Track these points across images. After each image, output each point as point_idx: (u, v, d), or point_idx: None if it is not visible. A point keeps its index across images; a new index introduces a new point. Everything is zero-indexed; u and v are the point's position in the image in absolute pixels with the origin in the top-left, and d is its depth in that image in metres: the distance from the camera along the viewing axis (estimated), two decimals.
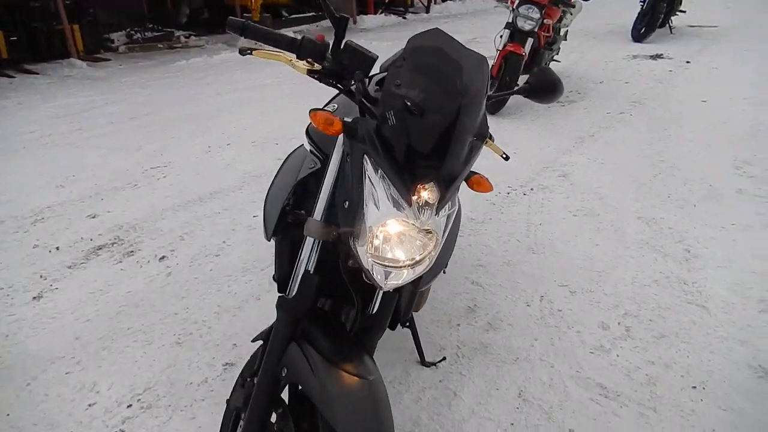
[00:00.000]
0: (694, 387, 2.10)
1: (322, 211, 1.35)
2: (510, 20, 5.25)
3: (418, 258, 1.27)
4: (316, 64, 1.33)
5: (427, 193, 1.22)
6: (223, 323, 2.52)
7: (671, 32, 9.00)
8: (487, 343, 2.34)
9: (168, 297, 2.72)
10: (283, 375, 1.32)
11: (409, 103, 1.20)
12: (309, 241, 1.36)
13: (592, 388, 2.11)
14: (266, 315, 2.55)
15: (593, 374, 2.17)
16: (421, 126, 1.20)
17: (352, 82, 1.31)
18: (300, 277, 1.36)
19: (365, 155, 1.24)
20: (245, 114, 5.75)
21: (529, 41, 5.24)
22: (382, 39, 10.38)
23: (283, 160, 1.84)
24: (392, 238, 1.25)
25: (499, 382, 2.13)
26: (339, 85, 1.34)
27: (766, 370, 2.17)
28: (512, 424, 1.95)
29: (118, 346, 2.38)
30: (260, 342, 1.52)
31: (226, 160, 4.52)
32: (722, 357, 2.25)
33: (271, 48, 1.34)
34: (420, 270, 1.29)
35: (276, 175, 1.77)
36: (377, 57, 1.32)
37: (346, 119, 1.27)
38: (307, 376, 1.27)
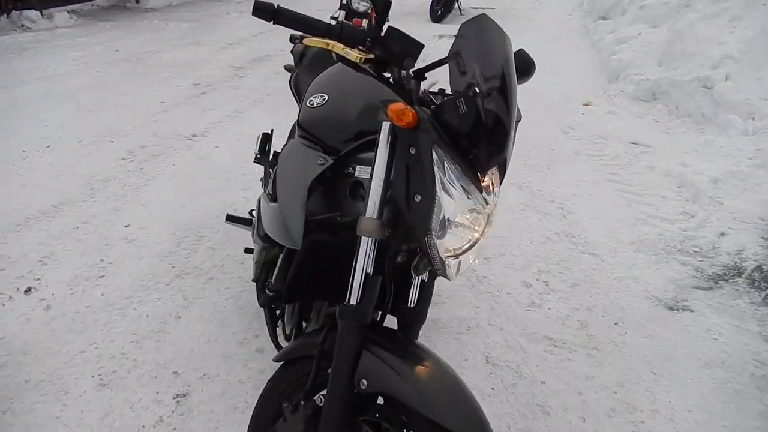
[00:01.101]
0: (616, 323, 2.44)
1: (377, 208, 1.26)
2: (345, 2, 5.29)
3: (481, 241, 1.28)
4: (368, 53, 1.22)
5: (488, 177, 1.23)
6: (148, 352, 2.19)
7: (461, 13, 9.89)
8: (436, 319, 2.40)
9: (61, 334, 2.27)
10: (363, 387, 1.22)
11: (477, 90, 1.18)
12: (365, 242, 1.26)
13: (541, 341, 2.32)
14: (198, 333, 2.29)
15: (537, 329, 2.38)
16: (486, 111, 1.19)
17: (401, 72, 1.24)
18: (361, 281, 1.26)
19: (435, 145, 1.19)
20: (54, 109, 4.92)
21: (365, 22, 5.34)
22: (179, 20, 9.62)
23: (268, 163, 1.64)
24: (462, 226, 1.23)
25: (465, 353, 2.22)
26: (385, 74, 1.26)
27: (659, 299, 2.60)
28: (493, 388, 2.06)
29: (22, 406, 1.93)
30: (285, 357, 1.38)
31: (55, 165, 3.85)
32: (624, 294, 2.63)
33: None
34: (477, 253, 1.30)
35: (273, 180, 1.58)
36: (424, 45, 1.27)
37: (416, 109, 1.20)
38: (397, 382, 1.20)
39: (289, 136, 2.68)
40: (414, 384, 1.18)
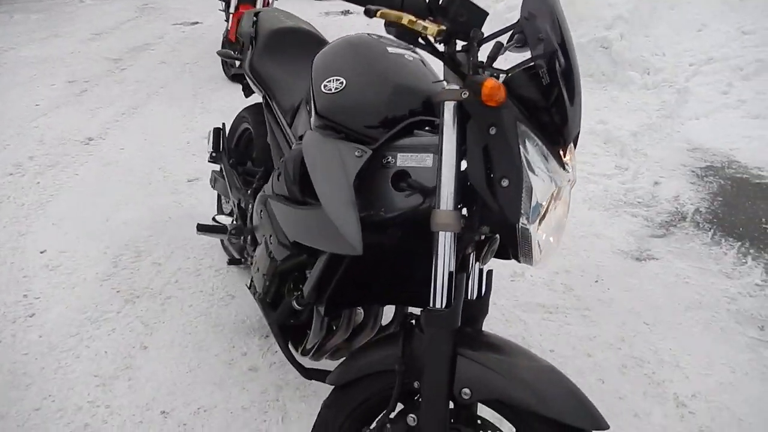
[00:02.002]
0: (596, 281, 2.49)
1: (451, 199, 1.12)
2: None
3: (564, 221, 1.20)
4: (441, 25, 1.06)
5: (568, 152, 1.16)
6: (122, 394, 1.87)
7: None
8: None
9: (3, 393, 1.87)
10: (466, 397, 1.09)
11: (559, 58, 1.08)
12: (443, 237, 1.12)
13: (536, 309, 2.30)
14: (175, 362, 2.00)
15: (527, 298, 2.37)
16: (567, 80, 1.10)
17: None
18: (444, 281, 1.12)
19: (518, 122, 1.07)
20: None
21: (260, 2, 5.02)
22: (25, 11, 8.47)
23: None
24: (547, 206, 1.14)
25: None
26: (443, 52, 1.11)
27: (625, 252, 2.70)
28: None
29: None
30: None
31: None
32: (593, 251, 2.70)
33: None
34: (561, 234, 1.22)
35: (292, 179, 1.35)
36: (488, 12, 1.13)
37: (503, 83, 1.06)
38: (506, 386, 1.08)
39: (230, 131, 2.43)
40: (524, 384, 1.08)
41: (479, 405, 1.17)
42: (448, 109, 1.13)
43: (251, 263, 1.87)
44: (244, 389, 1.89)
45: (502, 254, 1.38)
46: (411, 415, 1.14)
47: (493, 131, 1.09)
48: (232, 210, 2.43)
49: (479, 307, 1.28)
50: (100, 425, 1.76)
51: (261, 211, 1.51)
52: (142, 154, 3.71)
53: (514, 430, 1.16)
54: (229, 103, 4.65)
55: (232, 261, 2.06)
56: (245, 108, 2.37)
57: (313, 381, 1.86)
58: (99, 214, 2.96)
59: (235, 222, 2.06)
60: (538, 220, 1.10)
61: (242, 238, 1.96)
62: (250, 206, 1.89)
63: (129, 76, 5.38)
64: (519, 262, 1.18)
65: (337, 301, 1.37)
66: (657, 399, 1.89)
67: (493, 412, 1.15)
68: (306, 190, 1.36)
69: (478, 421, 1.25)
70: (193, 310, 2.26)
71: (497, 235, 1.34)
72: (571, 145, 1.17)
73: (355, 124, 1.29)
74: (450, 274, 1.12)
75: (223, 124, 2.37)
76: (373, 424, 1.19)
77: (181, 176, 3.40)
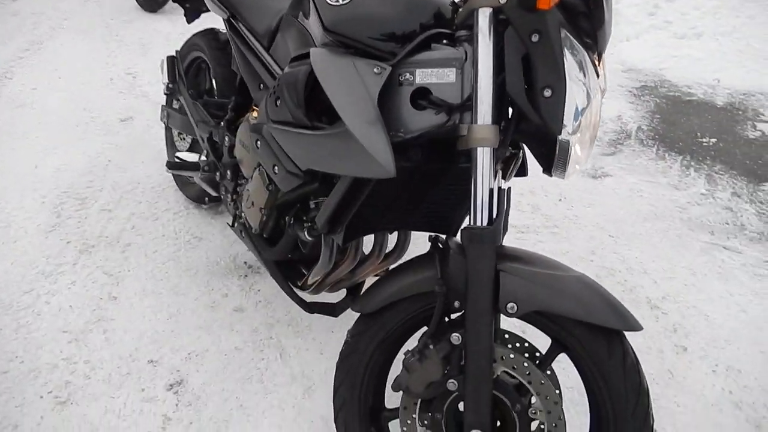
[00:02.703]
0: (560, 200, 2.57)
1: (489, 112, 1.07)
2: None
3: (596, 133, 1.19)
4: None
5: (601, 62, 1.15)
6: (100, 347, 1.74)
7: None
8: None
9: None
10: (512, 311, 1.09)
11: None
12: (481, 153, 1.08)
13: (509, 230, 2.34)
14: (152, 310, 1.88)
15: None
16: None
17: None
18: (483, 197, 1.09)
19: (561, 29, 1.03)
20: None
21: None
22: None
23: (294, 89, 1.26)
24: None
25: None
26: None
27: (581, 171, 2.79)
28: None
29: None
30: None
31: None
32: None
33: None
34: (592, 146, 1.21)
35: (318, 103, 1.23)
36: None
37: None
38: (550, 297, 1.09)
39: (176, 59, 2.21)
40: (565, 294, 1.10)
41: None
42: (484, 16, 1.06)
43: (231, 199, 1.75)
44: (234, 330, 1.81)
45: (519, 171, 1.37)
46: (455, 334, 1.13)
47: (535, 38, 1.04)
48: (192, 146, 2.26)
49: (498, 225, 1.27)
50: (83, 381, 1.63)
51: (257, 140, 1.39)
52: (59, 94, 3.34)
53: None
54: (150, 35, 4.28)
55: (212, 200, 1.91)
56: (196, 35, 2.16)
57: (304, 316, 1.85)
58: (23, 162, 2.66)
59: (205, 158, 1.91)
60: (579, 130, 1.08)
61: (218, 173, 1.81)
62: (226, 139, 1.75)
63: (23, 7, 4.77)
64: (550, 175, 1.17)
65: (354, 229, 1.31)
66: (632, 303, 2.01)
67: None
68: (312, 114, 1.26)
69: (506, 336, 1.27)
70: (159, 256, 2.11)
71: (521, 152, 1.32)
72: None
73: (368, 39, 1.19)
74: (490, 190, 1.10)
75: (177, 53, 2.15)
76: (414, 347, 1.16)
77: (112, 116, 3.11)
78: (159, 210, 2.36)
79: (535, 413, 1.14)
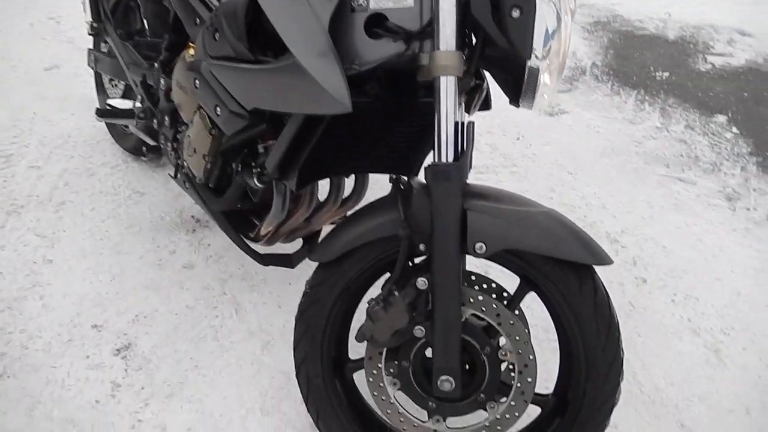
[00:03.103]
0: (518, 139, 2.52)
1: (453, 37, 0.98)
2: None
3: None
4: None
5: None
6: (37, 314, 1.61)
7: None
8: None
9: None
10: (481, 251, 1.03)
11: None
12: (444, 82, 0.99)
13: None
14: (92, 271, 1.74)
15: None
16: None
17: None
18: (451, 132, 1.01)
19: None
20: None
21: None
22: None
23: (234, 20, 1.12)
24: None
25: None
26: None
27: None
28: None
29: None
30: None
31: None
32: (509, 111, 2.69)
33: None
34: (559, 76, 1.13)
35: (261, 35, 1.09)
36: None
37: None
38: (520, 235, 1.03)
39: None
40: (535, 230, 1.05)
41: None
42: None
43: (172, 148, 1.61)
44: (184, 288, 1.71)
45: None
46: (421, 278, 1.06)
47: None
48: (126, 92, 2.08)
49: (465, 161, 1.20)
50: (20, 352, 1.51)
51: (195, 80, 1.25)
52: None
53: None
54: None
55: (150, 149, 1.75)
56: None
57: (258, 270, 1.75)
58: None
59: (140, 104, 1.74)
60: (550, 54, 1.00)
61: (155, 120, 1.66)
62: (161, 82, 1.59)
63: None
64: (517, 106, 1.09)
65: (307, 173, 1.20)
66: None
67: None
68: (255, 46, 1.13)
69: (472, 277, 1.21)
70: (97, 214, 1.96)
71: (485, 83, 1.23)
72: None
73: None
74: (455, 123, 1.01)
75: None
76: (377, 294, 1.09)
77: (35, 65, 2.84)
78: (94, 165, 2.18)
79: (505, 355, 1.10)
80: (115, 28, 1.82)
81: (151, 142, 1.73)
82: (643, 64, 3.15)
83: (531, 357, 1.10)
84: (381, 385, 1.15)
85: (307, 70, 0.98)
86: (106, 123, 2.23)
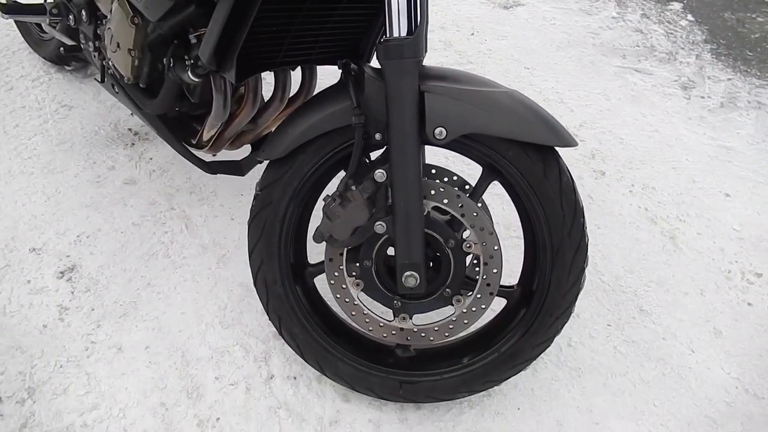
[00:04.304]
0: (472, 34, 2.40)
1: None
2: None
3: None
4: None
5: None
6: None
7: None
8: None
9: None
10: (441, 137, 0.96)
11: None
12: None
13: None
14: (24, 192, 1.61)
15: None
16: None
17: None
18: (403, 2, 0.91)
19: None
20: None
21: None
22: None
23: None
24: None
25: None
26: None
27: (492, 2, 2.60)
28: None
29: None
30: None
31: None
32: (464, 5, 2.56)
33: None
34: None
35: None
36: None
37: None
38: (481, 116, 0.97)
39: None
40: (498, 112, 0.99)
41: None
42: None
43: (94, 48, 1.44)
44: (128, 205, 1.60)
45: None
46: (379, 170, 0.99)
47: None
48: None
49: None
50: None
51: None
52: None
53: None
54: None
55: (68, 50, 1.56)
56: None
57: (207, 182, 1.65)
58: None
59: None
60: None
61: (71, 17, 1.47)
62: None
63: None
64: None
65: (247, 65, 1.09)
66: None
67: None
68: None
69: (432, 171, 1.15)
70: (22, 131, 1.79)
71: None
72: None
73: None
74: None
75: None
76: (333, 191, 1.02)
77: None
78: (12, 78, 1.97)
79: (469, 247, 1.07)
80: None
81: (69, 42, 1.54)
82: None
83: (496, 248, 1.07)
84: (344, 287, 1.11)
85: None
86: (21, 30, 2.00)
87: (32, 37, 1.96)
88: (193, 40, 1.16)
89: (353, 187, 1.00)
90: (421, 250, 1.02)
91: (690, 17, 2.57)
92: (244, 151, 1.43)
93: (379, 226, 1.03)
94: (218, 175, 1.40)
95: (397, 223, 1.01)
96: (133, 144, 1.77)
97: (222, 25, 1.00)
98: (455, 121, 0.96)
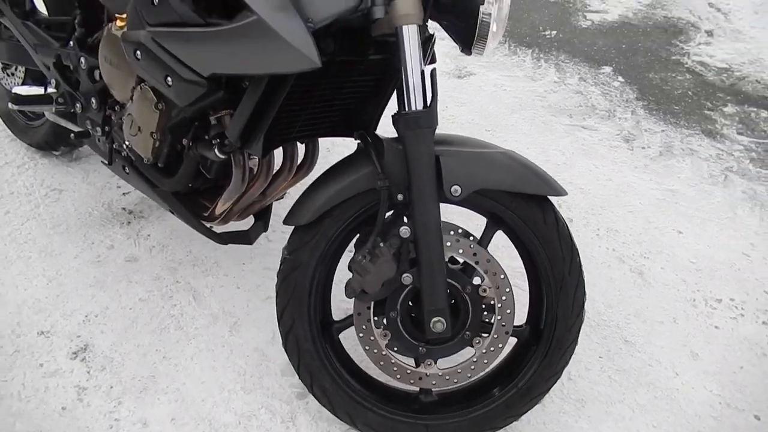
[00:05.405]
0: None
1: None
2: None
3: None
4: None
5: None
6: None
7: None
8: None
9: None
10: (456, 194, 1.10)
11: None
12: (406, 31, 1.04)
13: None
14: (35, 287, 1.61)
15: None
16: None
17: None
18: (418, 79, 1.06)
19: None
20: None
21: None
22: None
23: None
24: None
25: None
26: None
27: (446, 72, 2.84)
28: None
29: None
30: None
31: None
32: None
33: None
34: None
35: None
36: None
37: None
38: (487, 174, 1.13)
39: None
40: (501, 170, 1.15)
41: None
42: None
43: (103, 132, 1.51)
44: (132, 282, 1.63)
45: None
46: (403, 227, 1.11)
47: None
48: (26, 78, 1.90)
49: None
50: None
51: (136, 51, 1.18)
52: None
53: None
54: None
55: (77, 135, 1.60)
56: None
57: (208, 254, 1.71)
58: None
59: (55, 88, 1.60)
60: (496, 2, 1.07)
61: (78, 104, 1.54)
62: (81, 61, 1.48)
63: None
64: (469, 53, 1.16)
65: (270, 140, 1.20)
66: None
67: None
68: (201, 9, 1.10)
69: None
70: (14, 217, 1.80)
71: (434, 34, 1.28)
72: None
73: None
74: (421, 71, 1.06)
75: None
76: (361, 249, 1.12)
77: None
78: None
79: (485, 291, 1.19)
80: (12, 5, 1.66)
81: (75, 129, 1.60)
82: (532, 24, 3.36)
83: (508, 290, 1.19)
84: (372, 338, 1.19)
85: (273, 27, 0.97)
86: (5, 120, 2.03)
87: (17, 125, 1.99)
88: (213, 121, 1.26)
89: (381, 244, 1.10)
90: (445, 296, 1.13)
91: (620, 78, 2.89)
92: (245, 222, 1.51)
93: (407, 278, 1.13)
94: (218, 246, 1.47)
95: (423, 274, 1.11)
96: (129, 222, 1.81)
97: (252, 108, 1.11)
98: (467, 179, 1.10)
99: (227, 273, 1.67)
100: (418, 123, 1.06)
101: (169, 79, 1.15)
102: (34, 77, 1.89)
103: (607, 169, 2.28)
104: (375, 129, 1.35)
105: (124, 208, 1.86)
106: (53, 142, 1.90)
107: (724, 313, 1.71)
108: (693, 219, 2.05)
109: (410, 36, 1.03)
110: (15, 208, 1.82)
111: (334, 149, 2.03)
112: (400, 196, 1.11)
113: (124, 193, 1.90)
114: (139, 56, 1.19)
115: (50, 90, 1.61)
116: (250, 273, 1.67)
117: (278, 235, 1.74)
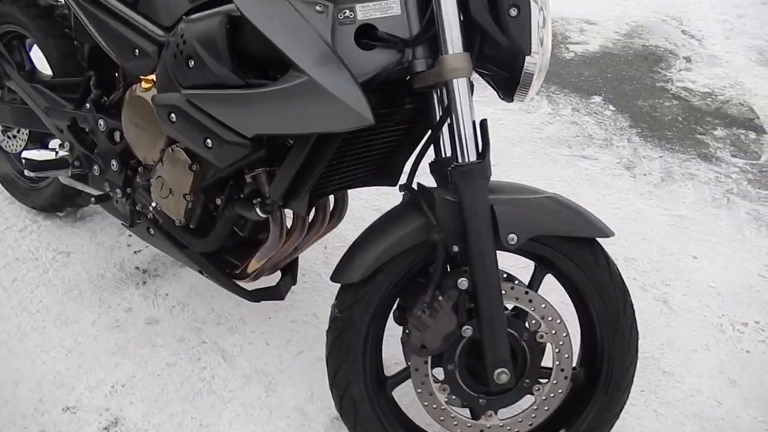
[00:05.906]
0: None
1: (459, 39, 1.02)
2: None
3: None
4: None
5: None
6: None
7: None
8: None
9: None
10: (513, 243, 1.09)
11: None
12: (457, 85, 1.04)
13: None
14: (54, 359, 1.52)
15: None
16: None
17: None
18: (470, 131, 1.06)
19: None
20: None
21: None
22: None
23: (214, 45, 1.06)
24: None
25: None
26: None
27: None
28: None
29: None
30: None
31: None
32: None
33: None
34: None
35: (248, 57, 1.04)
36: None
37: None
38: (539, 220, 1.13)
39: None
40: (551, 215, 1.15)
41: None
42: None
43: (123, 194, 1.46)
44: (156, 346, 1.56)
45: None
46: (461, 279, 1.08)
47: None
48: (29, 143, 1.84)
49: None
50: None
51: (170, 114, 1.15)
52: None
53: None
54: None
55: (99, 199, 1.53)
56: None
57: (232, 311, 1.66)
58: None
59: (68, 151, 1.55)
60: (540, 51, 1.08)
61: (95, 167, 1.49)
62: (100, 123, 1.44)
63: None
64: (510, 101, 1.17)
65: (312, 195, 1.17)
66: None
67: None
68: (239, 70, 1.08)
69: None
70: (22, 284, 1.71)
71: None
72: None
73: None
74: (473, 123, 1.06)
75: None
76: (418, 304, 1.09)
77: None
78: None
79: (542, 337, 1.17)
80: (19, 69, 1.61)
81: (95, 192, 1.54)
82: None
83: (564, 335, 1.17)
84: (431, 393, 1.16)
85: (324, 87, 0.96)
86: (4, 183, 1.96)
87: (19, 188, 1.92)
88: (249, 179, 1.23)
89: (440, 297, 1.08)
90: (507, 347, 1.10)
91: (611, 107, 2.96)
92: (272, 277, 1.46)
93: (467, 330, 1.11)
94: (240, 301, 1.42)
95: (484, 325, 1.09)
96: (145, 282, 1.74)
97: (301, 164, 1.09)
98: (522, 227, 1.09)
99: (254, 329, 1.62)
100: (473, 175, 1.05)
101: (208, 141, 1.12)
102: (35, 139, 1.84)
103: (614, 197, 2.31)
104: (397, 181, 1.33)
105: (137, 267, 1.79)
106: (59, 204, 1.83)
107: (752, 337, 1.72)
108: (705, 243, 2.08)
109: (461, 89, 1.03)
110: (22, 275, 1.74)
111: None
112: (455, 248, 1.09)
113: (135, 252, 1.84)
114: (173, 119, 1.16)
115: (61, 153, 1.55)
116: (278, 328, 1.62)
117: (300, 286, 1.70)
